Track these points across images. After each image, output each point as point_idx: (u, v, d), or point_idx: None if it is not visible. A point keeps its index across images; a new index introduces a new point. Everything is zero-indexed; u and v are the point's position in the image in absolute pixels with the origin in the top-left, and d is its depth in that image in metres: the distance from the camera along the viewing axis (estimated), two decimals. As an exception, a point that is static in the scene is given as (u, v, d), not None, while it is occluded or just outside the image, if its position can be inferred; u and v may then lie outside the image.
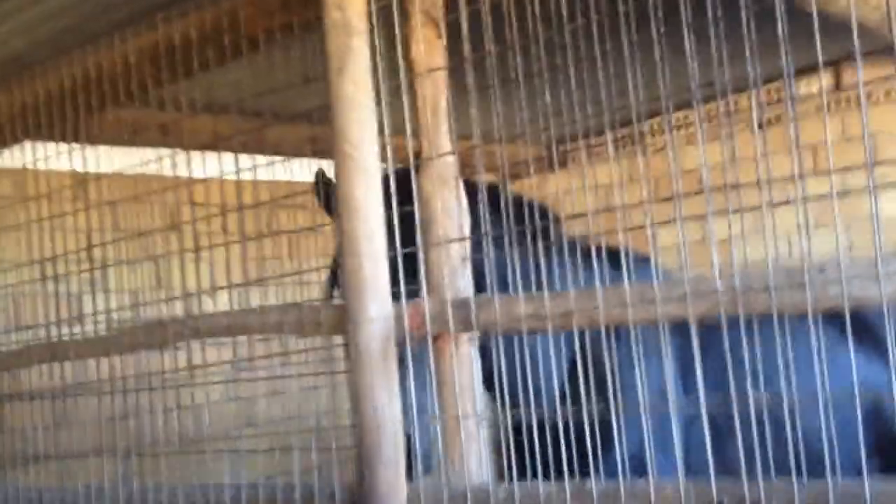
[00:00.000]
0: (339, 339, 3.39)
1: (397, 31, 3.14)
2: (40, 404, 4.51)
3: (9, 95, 4.57)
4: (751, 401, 2.56)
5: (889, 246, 2.53)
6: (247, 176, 3.76)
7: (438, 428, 3.15)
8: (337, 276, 3.40)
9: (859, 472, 2.38)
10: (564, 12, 2.87)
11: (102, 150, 4.36)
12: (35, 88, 4.39)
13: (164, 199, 3.99)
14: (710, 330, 2.77)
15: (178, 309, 4.19)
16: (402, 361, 3.13)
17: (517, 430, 3.15)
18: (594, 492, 2.75)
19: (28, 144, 4.68)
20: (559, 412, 3.10)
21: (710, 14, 2.59)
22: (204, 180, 3.91)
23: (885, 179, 2.60)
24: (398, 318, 3.15)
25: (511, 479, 3.10)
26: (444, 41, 3.25)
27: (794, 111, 2.62)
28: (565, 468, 2.87)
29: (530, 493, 2.88)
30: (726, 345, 2.67)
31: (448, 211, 3.22)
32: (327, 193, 3.56)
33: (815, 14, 2.55)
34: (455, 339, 3.12)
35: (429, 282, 3.18)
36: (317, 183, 3.71)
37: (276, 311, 3.52)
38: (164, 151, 3.98)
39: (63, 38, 4.27)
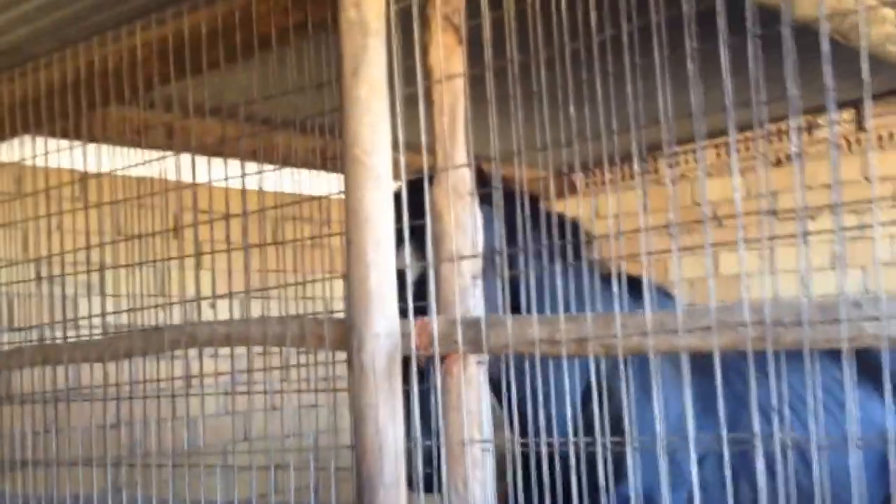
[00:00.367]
0: (341, 355, 3.25)
1: (416, 34, 3.01)
2: (31, 408, 4.40)
3: (8, 86, 4.46)
4: (773, 439, 2.41)
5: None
6: (252, 184, 3.64)
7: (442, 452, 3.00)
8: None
9: None
10: (593, 22, 2.73)
11: (105, 149, 4.25)
12: (36, 80, 4.28)
13: (167, 202, 3.86)
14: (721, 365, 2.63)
15: (176, 316, 4.07)
16: (422, 378, 2.99)
17: (525, 456, 3.00)
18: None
19: (27, 139, 4.56)
20: (570, 442, 2.95)
21: (749, 46, 2.45)
22: (208, 186, 3.79)
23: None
24: (405, 335, 3.01)
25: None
26: (464, 48, 3.12)
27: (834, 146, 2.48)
28: (575, 499, 2.73)
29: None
30: (737, 380, 2.54)
31: (461, 226, 3.08)
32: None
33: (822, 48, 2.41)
34: (464, 360, 2.98)
35: (438, 299, 3.04)
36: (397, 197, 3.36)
37: (278, 323, 3.40)
38: (169, 154, 3.87)
39: (67, 29, 4.16)
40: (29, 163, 4.57)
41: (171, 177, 3.87)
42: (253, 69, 3.59)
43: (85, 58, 4.07)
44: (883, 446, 2.30)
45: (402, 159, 3.12)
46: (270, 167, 3.83)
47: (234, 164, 3.68)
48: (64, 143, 4.29)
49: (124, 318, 4.20)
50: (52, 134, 4.35)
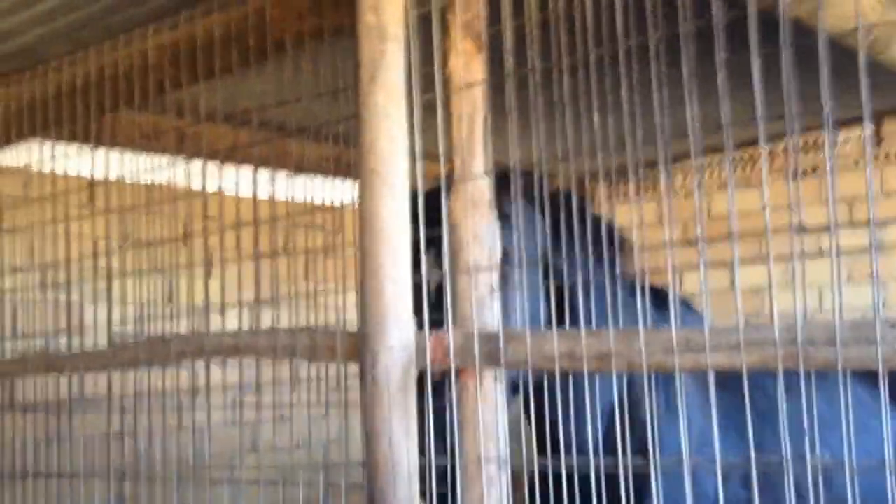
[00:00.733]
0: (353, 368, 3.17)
1: (435, 41, 2.94)
2: (33, 418, 4.33)
3: (18, 89, 4.39)
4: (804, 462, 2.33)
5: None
6: (264, 192, 3.58)
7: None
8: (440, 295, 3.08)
9: None
10: (619, 27, 2.65)
11: (114, 154, 4.19)
12: (46, 83, 4.21)
13: (176, 209, 3.79)
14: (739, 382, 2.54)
15: (184, 325, 4.00)
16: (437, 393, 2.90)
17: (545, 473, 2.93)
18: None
19: (36, 143, 4.49)
20: (592, 462, 2.85)
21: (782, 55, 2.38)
22: (219, 193, 3.73)
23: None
24: (420, 349, 2.93)
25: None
26: (484, 55, 3.04)
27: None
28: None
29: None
30: (760, 398, 2.46)
31: (479, 237, 2.99)
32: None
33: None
34: (480, 375, 2.89)
35: (454, 312, 2.95)
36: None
37: (287, 334, 3.32)
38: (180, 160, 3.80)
39: (81, 32, 4.10)
40: (37, 168, 4.50)
41: (181, 183, 3.81)
42: (267, 75, 3.53)
43: (97, 61, 4.00)
44: None
45: (420, 168, 3.04)
46: (283, 175, 3.75)
47: (245, 172, 3.61)
48: (73, 147, 4.22)
49: (130, 327, 4.14)
50: (62, 138, 4.29)
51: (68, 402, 4.17)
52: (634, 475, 2.66)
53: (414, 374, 2.93)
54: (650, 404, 2.88)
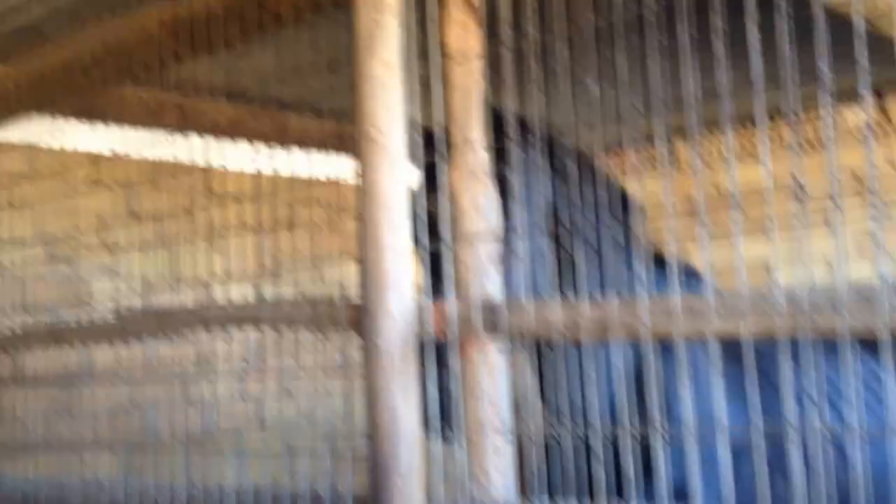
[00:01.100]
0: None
1: (430, 10, 2.94)
2: (42, 391, 4.35)
3: (23, 66, 4.40)
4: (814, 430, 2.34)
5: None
6: (266, 167, 3.59)
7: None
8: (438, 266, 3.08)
9: None
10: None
11: (118, 130, 4.21)
12: (50, 59, 4.21)
13: (180, 184, 3.81)
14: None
15: (189, 298, 4.02)
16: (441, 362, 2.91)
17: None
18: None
19: (41, 119, 4.51)
20: (598, 430, 2.86)
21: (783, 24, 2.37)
22: (222, 169, 3.74)
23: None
24: (421, 318, 2.94)
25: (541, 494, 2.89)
26: (481, 26, 3.04)
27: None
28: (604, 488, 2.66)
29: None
30: (769, 368, 2.45)
31: (478, 207, 3.01)
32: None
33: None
34: (482, 344, 2.91)
35: (455, 282, 2.97)
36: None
37: (290, 305, 3.34)
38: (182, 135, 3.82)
39: (84, 7, 4.09)
40: (43, 144, 4.52)
41: (185, 158, 3.82)
42: (267, 50, 3.53)
43: (98, 37, 4.00)
44: None
45: (418, 139, 3.05)
46: (284, 149, 3.77)
47: (247, 147, 3.63)
48: (77, 123, 4.23)
49: (137, 300, 4.16)
50: (66, 114, 4.29)
51: (76, 375, 4.20)
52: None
53: (415, 343, 2.95)
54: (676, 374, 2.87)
